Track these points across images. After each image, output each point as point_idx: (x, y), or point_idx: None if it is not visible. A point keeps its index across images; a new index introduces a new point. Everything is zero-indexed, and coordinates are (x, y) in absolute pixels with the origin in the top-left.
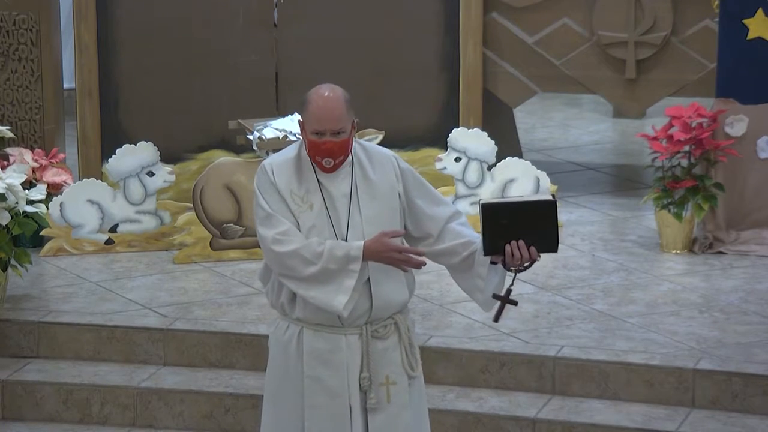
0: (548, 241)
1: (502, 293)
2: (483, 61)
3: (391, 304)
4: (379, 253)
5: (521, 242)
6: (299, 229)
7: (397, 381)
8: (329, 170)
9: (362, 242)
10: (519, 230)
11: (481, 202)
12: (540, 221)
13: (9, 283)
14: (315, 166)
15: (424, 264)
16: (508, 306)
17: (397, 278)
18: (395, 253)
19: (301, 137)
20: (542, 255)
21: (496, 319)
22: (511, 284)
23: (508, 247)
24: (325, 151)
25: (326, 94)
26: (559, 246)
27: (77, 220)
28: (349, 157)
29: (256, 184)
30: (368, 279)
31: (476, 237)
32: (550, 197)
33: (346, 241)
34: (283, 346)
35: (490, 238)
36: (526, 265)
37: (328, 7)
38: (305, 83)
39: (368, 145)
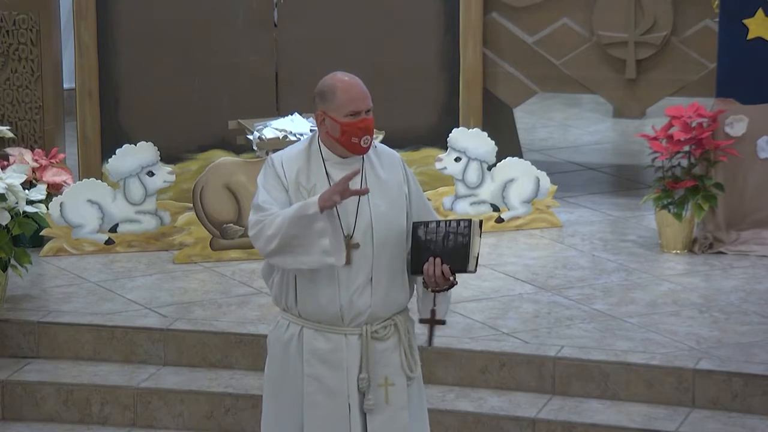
0: (461, 260)
1: (428, 316)
2: (483, 61)
3: (391, 304)
4: (325, 195)
5: (437, 260)
6: None
7: (396, 382)
8: (365, 150)
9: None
10: (439, 249)
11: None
12: (457, 241)
13: (9, 283)
14: (348, 150)
15: (365, 192)
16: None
17: (399, 278)
18: (336, 187)
19: (312, 132)
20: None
21: (429, 342)
22: (434, 305)
23: (426, 265)
24: (364, 129)
25: (347, 78)
26: (476, 267)
27: (77, 220)
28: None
29: (258, 178)
30: (371, 278)
31: None
32: (473, 219)
33: (352, 236)
34: (284, 344)
35: (415, 257)
36: (444, 287)
37: (328, 7)
38: (305, 83)
39: (376, 143)
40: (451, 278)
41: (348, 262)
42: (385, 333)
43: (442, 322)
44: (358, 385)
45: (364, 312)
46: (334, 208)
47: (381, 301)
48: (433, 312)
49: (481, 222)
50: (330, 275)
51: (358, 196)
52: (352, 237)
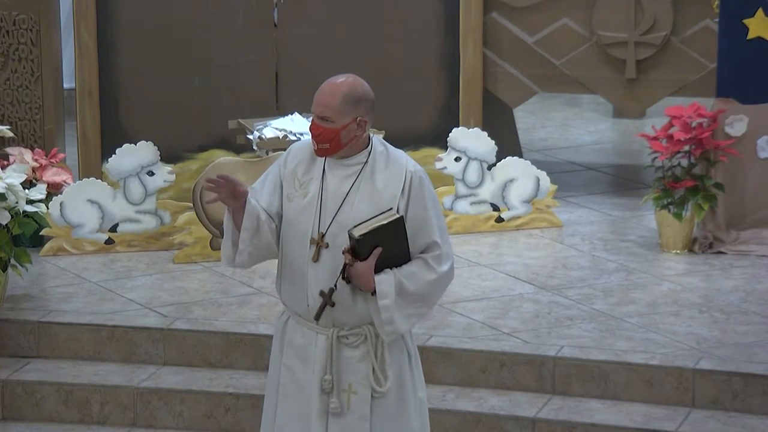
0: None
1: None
2: (483, 61)
3: (359, 312)
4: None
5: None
6: (281, 214)
7: (359, 392)
8: (317, 153)
9: None
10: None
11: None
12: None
13: (9, 283)
14: None
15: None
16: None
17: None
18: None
19: None
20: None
21: (317, 317)
22: (335, 286)
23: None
24: (311, 131)
25: (333, 80)
26: (360, 235)
27: (77, 220)
28: (364, 156)
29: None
30: (336, 280)
31: (410, 273)
32: (392, 210)
33: (324, 236)
34: (276, 332)
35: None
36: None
37: (328, 7)
38: (305, 83)
39: (394, 152)
40: (346, 252)
41: (316, 259)
42: (354, 340)
43: (332, 305)
44: (322, 386)
45: (327, 313)
46: (234, 209)
47: (345, 306)
48: (330, 290)
49: (401, 217)
50: (301, 270)
51: (344, 196)
52: (324, 235)
